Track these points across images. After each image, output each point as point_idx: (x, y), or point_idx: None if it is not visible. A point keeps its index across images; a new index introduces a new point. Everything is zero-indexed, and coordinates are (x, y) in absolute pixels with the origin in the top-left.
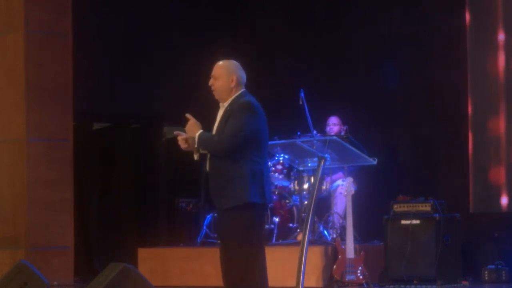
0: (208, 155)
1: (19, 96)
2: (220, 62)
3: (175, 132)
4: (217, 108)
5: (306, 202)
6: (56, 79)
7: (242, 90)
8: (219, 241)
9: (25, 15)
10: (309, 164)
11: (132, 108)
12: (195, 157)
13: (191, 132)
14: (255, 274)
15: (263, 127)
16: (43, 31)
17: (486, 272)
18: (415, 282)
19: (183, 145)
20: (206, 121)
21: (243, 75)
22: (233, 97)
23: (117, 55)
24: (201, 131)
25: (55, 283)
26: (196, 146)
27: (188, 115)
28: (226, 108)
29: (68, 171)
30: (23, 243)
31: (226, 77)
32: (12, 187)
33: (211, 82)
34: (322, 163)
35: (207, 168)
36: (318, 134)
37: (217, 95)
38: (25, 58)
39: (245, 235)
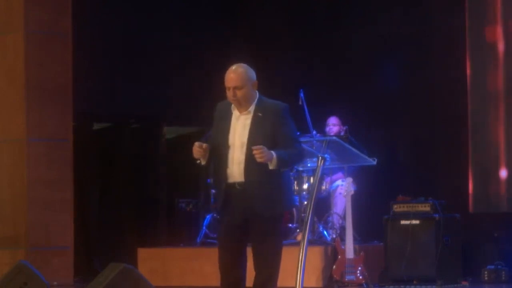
0: (244, 163)
1: (19, 96)
2: (236, 70)
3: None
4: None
5: (305, 202)
6: (56, 79)
7: (258, 94)
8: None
9: (25, 15)
10: (309, 164)
11: (132, 108)
12: (203, 163)
13: (268, 155)
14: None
15: None
16: (43, 31)
17: (486, 272)
18: (415, 282)
19: (261, 158)
20: (206, 120)
21: (255, 76)
22: (255, 100)
23: (117, 55)
24: (274, 152)
25: (55, 283)
26: (275, 167)
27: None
28: (256, 115)
29: (68, 171)
30: (23, 243)
31: (249, 84)
32: (12, 187)
33: (232, 94)
34: (322, 163)
35: (243, 177)
36: (318, 134)
37: (240, 104)
38: (25, 58)
39: (280, 236)
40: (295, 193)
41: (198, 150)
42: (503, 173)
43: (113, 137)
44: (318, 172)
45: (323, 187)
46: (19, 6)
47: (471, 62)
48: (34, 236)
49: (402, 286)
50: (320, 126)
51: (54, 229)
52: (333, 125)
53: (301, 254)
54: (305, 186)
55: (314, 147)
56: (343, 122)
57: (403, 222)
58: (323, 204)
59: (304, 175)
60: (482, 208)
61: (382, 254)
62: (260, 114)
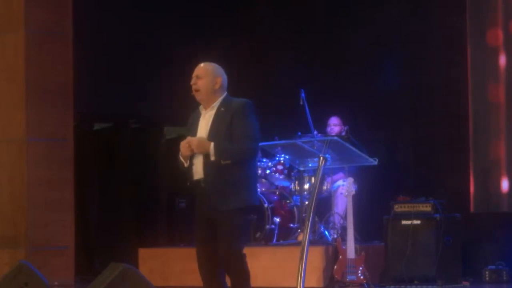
0: (203, 160)
1: (19, 96)
2: (204, 63)
3: (182, 142)
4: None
5: (306, 202)
6: (56, 78)
7: (225, 93)
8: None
9: (25, 15)
10: (310, 165)
11: (132, 108)
12: (185, 164)
13: (204, 145)
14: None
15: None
16: (43, 31)
17: (486, 272)
18: (415, 282)
19: (187, 150)
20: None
21: (226, 80)
22: (220, 98)
23: (117, 55)
24: (213, 142)
25: (56, 283)
26: (214, 158)
27: (187, 139)
28: (219, 110)
29: (68, 171)
30: (23, 243)
31: (211, 77)
32: (12, 186)
33: (193, 81)
34: (323, 163)
35: (202, 174)
36: (319, 135)
37: (199, 96)
38: (25, 58)
39: (243, 236)
40: (297, 193)
41: (187, 147)
42: (504, 173)
43: (113, 137)
44: (319, 172)
45: (324, 187)
46: (19, 6)
47: (471, 62)
48: (34, 236)
49: (403, 286)
50: (321, 126)
51: (54, 229)
52: (334, 125)
53: (302, 254)
54: (306, 186)
55: (315, 147)
56: (344, 122)
57: (404, 222)
58: (324, 204)
59: (305, 175)
60: (483, 208)
61: (383, 254)
62: (222, 109)
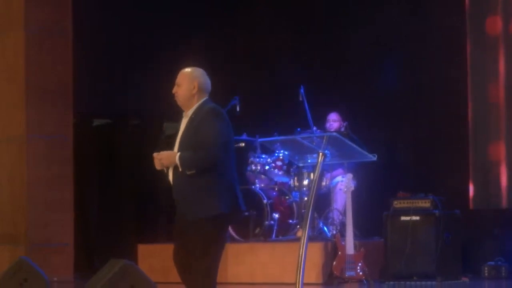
0: (172, 170)
1: (19, 95)
2: (184, 69)
3: (154, 154)
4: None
5: (306, 198)
6: (56, 78)
7: (205, 97)
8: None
9: (25, 15)
10: (309, 160)
11: (132, 105)
12: (165, 171)
13: (170, 158)
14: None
15: (231, 133)
16: (43, 30)
17: (486, 268)
18: (415, 278)
19: (158, 166)
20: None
21: (206, 82)
22: (196, 104)
23: (116, 53)
24: (179, 153)
25: (55, 279)
26: (180, 168)
27: (154, 154)
28: (191, 117)
29: (68, 168)
30: (23, 240)
31: (188, 83)
32: (12, 185)
33: (174, 89)
34: (322, 159)
35: (171, 180)
36: (318, 130)
37: (179, 102)
38: (25, 57)
39: (213, 245)
40: (296, 189)
41: (157, 162)
42: (503, 170)
43: (113, 134)
44: (318, 168)
45: (323, 183)
46: (19, 6)
47: (471, 62)
48: (34, 234)
49: (402, 282)
50: (321, 122)
51: (54, 226)
52: (334, 121)
53: (301, 250)
54: (305, 182)
55: (314, 143)
56: (344, 118)
57: (403, 218)
58: (323, 200)
59: (304, 171)
60: (482, 205)
61: (382, 250)
62: (193, 117)
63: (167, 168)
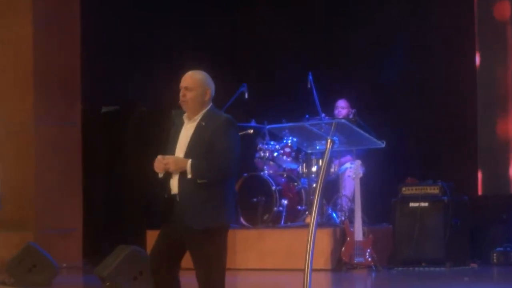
0: (178, 175)
1: (27, 82)
2: (193, 73)
3: (159, 157)
4: None
5: (314, 185)
6: (64, 63)
7: (211, 104)
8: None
9: (32, 2)
10: (318, 147)
11: (140, 91)
12: (160, 175)
13: (179, 164)
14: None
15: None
16: (51, 17)
17: (494, 254)
18: (423, 264)
19: (160, 169)
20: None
21: (214, 90)
22: (204, 110)
23: (125, 39)
24: (190, 160)
25: (64, 265)
26: (191, 176)
27: (159, 157)
28: (200, 123)
29: (76, 155)
30: (32, 225)
31: (201, 89)
32: (21, 171)
33: (182, 93)
34: (330, 146)
35: (176, 189)
36: (327, 117)
37: (187, 107)
38: (33, 44)
39: (219, 257)
40: (304, 175)
41: (161, 166)
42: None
43: (121, 121)
44: (327, 155)
45: (332, 170)
46: None
47: (480, 45)
48: (43, 219)
49: (410, 268)
50: (329, 109)
51: (62, 212)
52: (342, 107)
53: (310, 237)
54: (314, 168)
55: (322, 130)
56: (352, 105)
57: (411, 204)
58: (332, 187)
59: (313, 157)
60: (491, 191)
61: (390, 237)
62: (203, 124)
63: (168, 173)
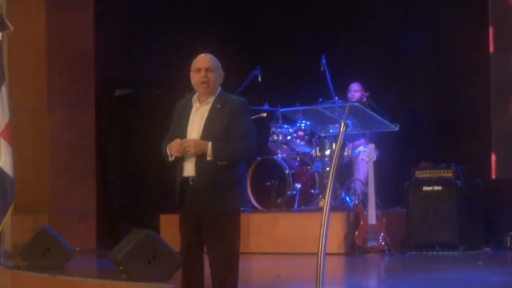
0: (196, 158)
1: (41, 64)
2: (209, 55)
3: (177, 140)
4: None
5: (327, 169)
6: (77, 46)
7: (220, 88)
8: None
9: None
10: (331, 131)
11: (154, 74)
12: (170, 159)
13: (199, 146)
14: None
15: None
16: None
17: (508, 238)
18: (437, 248)
19: (180, 152)
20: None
21: None
22: (216, 93)
23: (139, 22)
24: (210, 142)
25: (78, 248)
26: (212, 158)
27: (178, 141)
28: (214, 106)
29: (90, 138)
30: (45, 209)
31: (219, 70)
32: (35, 154)
33: (204, 74)
34: (344, 129)
35: (193, 172)
36: (340, 100)
37: (207, 88)
38: (46, 27)
39: (235, 240)
40: (318, 159)
41: (181, 149)
42: None
43: (135, 103)
44: (340, 138)
45: (345, 153)
46: None
47: (494, 24)
48: (56, 202)
49: (424, 252)
50: (342, 92)
51: (76, 195)
52: (355, 91)
53: (323, 220)
54: (327, 152)
55: (336, 113)
56: (365, 88)
57: (425, 188)
58: (345, 170)
59: (326, 141)
60: (505, 174)
61: (404, 220)
62: (218, 106)
63: (182, 156)
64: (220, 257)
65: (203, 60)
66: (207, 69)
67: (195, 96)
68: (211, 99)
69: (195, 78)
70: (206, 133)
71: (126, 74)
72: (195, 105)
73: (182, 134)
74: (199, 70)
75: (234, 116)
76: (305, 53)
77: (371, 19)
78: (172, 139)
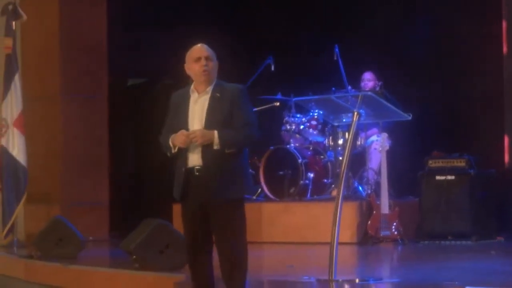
0: (202, 147)
1: (54, 54)
2: (204, 45)
3: (183, 131)
4: None
5: (340, 158)
6: (90, 36)
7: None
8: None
9: None
10: (344, 120)
11: (166, 64)
12: (173, 150)
13: (206, 136)
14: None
15: None
16: None
17: None
18: (449, 237)
19: (186, 143)
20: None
21: None
22: (214, 83)
23: (151, 11)
24: (216, 130)
25: (91, 238)
26: (219, 146)
27: (184, 132)
28: (214, 95)
29: (102, 128)
30: (58, 199)
31: (215, 59)
32: (48, 143)
33: (205, 63)
34: (357, 118)
35: (200, 162)
36: (353, 90)
37: (207, 77)
38: (60, 17)
39: (242, 227)
40: (330, 148)
41: (187, 140)
42: None
43: (147, 93)
44: (353, 128)
45: (358, 143)
46: None
47: (507, 15)
48: (69, 192)
49: (437, 242)
50: (355, 82)
51: (89, 185)
52: (368, 80)
53: (336, 210)
54: (340, 141)
55: (349, 103)
56: (378, 77)
57: (438, 177)
58: (358, 160)
59: (339, 130)
60: None
61: (417, 210)
62: (218, 95)
63: (188, 147)
64: (228, 245)
65: (201, 49)
66: (207, 58)
67: (192, 87)
68: (209, 89)
69: (195, 68)
70: (209, 123)
71: (138, 64)
72: (193, 95)
73: (183, 125)
74: (198, 59)
75: (235, 104)
76: (318, 43)
77: (384, 8)
78: (171, 131)
